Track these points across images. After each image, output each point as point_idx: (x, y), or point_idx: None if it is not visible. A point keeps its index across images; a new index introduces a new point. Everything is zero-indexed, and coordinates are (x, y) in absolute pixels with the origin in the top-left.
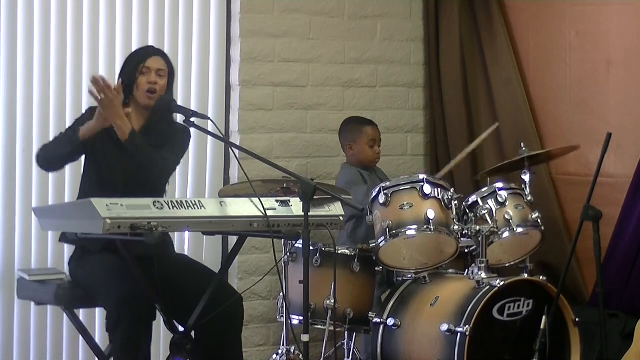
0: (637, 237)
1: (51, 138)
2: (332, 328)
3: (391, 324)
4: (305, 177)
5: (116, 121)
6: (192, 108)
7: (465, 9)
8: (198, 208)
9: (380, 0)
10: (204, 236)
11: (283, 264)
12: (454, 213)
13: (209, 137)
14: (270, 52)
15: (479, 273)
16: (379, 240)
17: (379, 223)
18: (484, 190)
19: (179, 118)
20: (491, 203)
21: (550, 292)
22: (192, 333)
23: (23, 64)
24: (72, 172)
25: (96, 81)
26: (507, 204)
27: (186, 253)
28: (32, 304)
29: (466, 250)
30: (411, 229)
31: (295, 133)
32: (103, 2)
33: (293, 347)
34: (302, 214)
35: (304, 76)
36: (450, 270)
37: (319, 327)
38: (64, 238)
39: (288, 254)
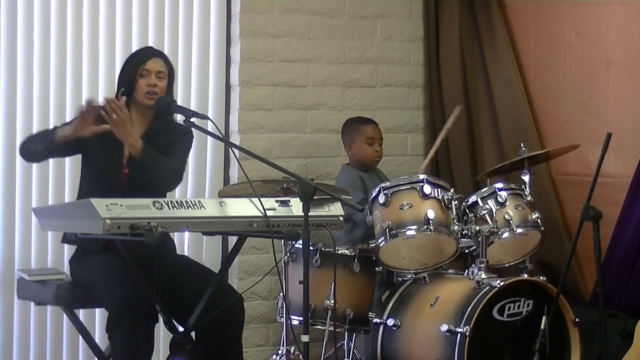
0: (637, 237)
1: None
2: (332, 328)
3: (391, 324)
4: (305, 177)
5: (127, 139)
6: (192, 108)
7: (465, 9)
8: (198, 208)
9: (380, 0)
10: (204, 236)
11: (283, 264)
12: (454, 213)
13: (209, 137)
14: (270, 52)
15: (479, 273)
16: (379, 241)
17: (378, 223)
18: (483, 190)
19: (179, 118)
20: (491, 203)
21: (550, 292)
22: (192, 333)
23: (23, 64)
24: (72, 172)
25: (109, 102)
26: (507, 204)
27: (186, 253)
28: (32, 304)
29: (466, 251)
30: (411, 229)
31: (295, 133)
32: (103, 2)
33: (293, 348)
34: (302, 214)
35: (303, 76)
36: (450, 271)
37: (319, 327)
38: (66, 239)
39: (288, 254)
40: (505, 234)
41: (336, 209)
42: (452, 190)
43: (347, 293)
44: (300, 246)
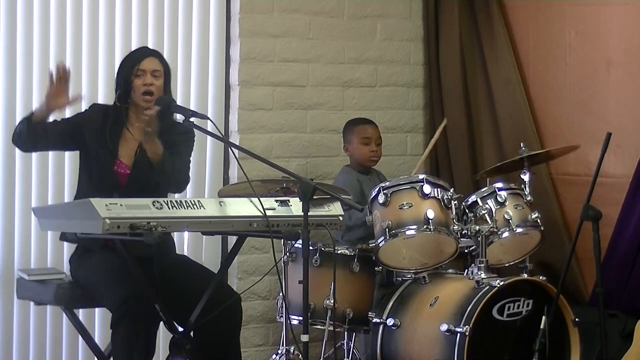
0: (636, 237)
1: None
2: (331, 328)
3: (391, 324)
4: (304, 177)
5: (151, 146)
6: (192, 108)
7: (465, 9)
8: (197, 208)
9: (380, 0)
10: (204, 236)
11: (282, 264)
12: (454, 213)
13: (209, 137)
14: (270, 52)
15: (479, 273)
16: (379, 240)
17: (378, 223)
18: (483, 190)
19: (179, 118)
20: (491, 203)
21: (550, 292)
22: (192, 333)
23: (22, 63)
24: (72, 172)
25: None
26: (506, 203)
27: (186, 253)
28: (32, 303)
29: (466, 250)
30: (411, 228)
31: (294, 133)
32: (102, 2)
33: (292, 347)
34: (302, 213)
35: (303, 76)
36: (450, 270)
37: (319, 327)
38: (64, 237)
39: (287, 253)
40: (505, 234)
41: (336, 209)
42: (451, 190)
43: (346, 293)
44: (300, 246)
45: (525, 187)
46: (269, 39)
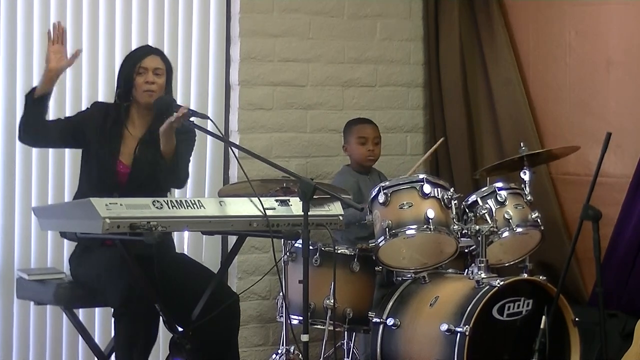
0: (637, 237)
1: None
2: (331, 328)
3: (391, 323)
4: (304, 177)
5: (168, 140)
6: (192, 107)
7: (465, 9)
8: (197, 208)
9: (379, 0)
10: (204, 236)
11: (282, 264)
12: (454, 212)
13: (209, 137)
14: (270, 51)
15: (479, 273)
16: (379, 240)
17: (378, 222)
18: (483, 189)
19: None
20: (491, 203)
21: (550, 291)
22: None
23: (23, 63)
24: (72, 172)
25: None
26: (506, 203)
27: (186, 253)
28: (32, 303)
29: (466, 250)
30: (411, 228)
31: (294, 133)
32: (102, 1)
33: (292, 347)
34: (302, 213)
35: (303, 76)
36: (450, 270)
37: (319, 327)
38: (64, 233)
39: (287, 253)
40: (505, 234)
41: (336, 209)
42: (451, 190)
43: (346, 293)
44: (300, 246)
45: (525, 187)
46: (269, 38)
